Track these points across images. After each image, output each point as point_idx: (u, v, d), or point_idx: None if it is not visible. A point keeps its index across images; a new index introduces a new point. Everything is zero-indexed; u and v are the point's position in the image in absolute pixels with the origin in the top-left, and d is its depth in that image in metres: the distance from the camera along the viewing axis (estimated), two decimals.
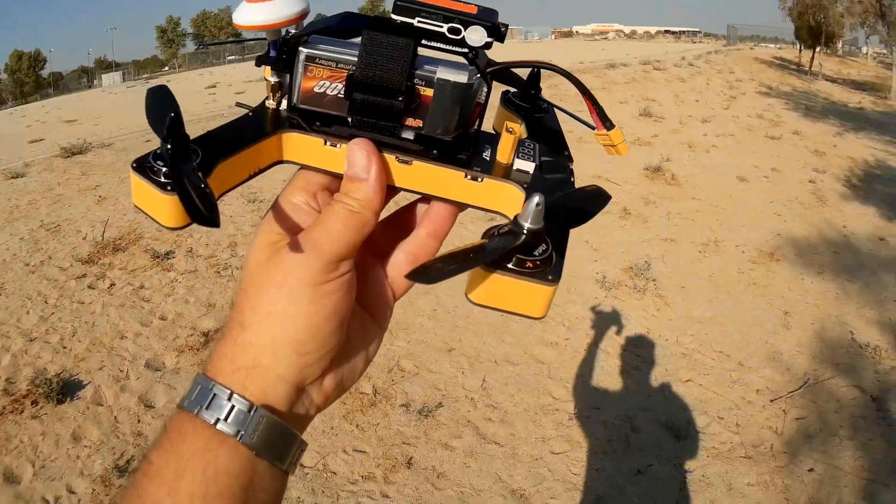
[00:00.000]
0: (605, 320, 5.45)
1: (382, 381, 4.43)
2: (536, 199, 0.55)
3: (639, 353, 5.01)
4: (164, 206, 0.56)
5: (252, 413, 0.56)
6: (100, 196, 7.50)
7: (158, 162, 0.57)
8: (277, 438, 0.57)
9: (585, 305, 5.65)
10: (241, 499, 0.55)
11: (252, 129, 0.64)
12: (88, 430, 3.84)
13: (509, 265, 0.56)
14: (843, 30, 34.26)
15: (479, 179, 0.64)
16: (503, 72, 0.69)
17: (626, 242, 7.15)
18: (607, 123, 0.69)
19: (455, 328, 5.11)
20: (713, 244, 7.32)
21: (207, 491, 0.53)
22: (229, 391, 0.56)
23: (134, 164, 0.58)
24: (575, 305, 5.62)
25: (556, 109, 0.81)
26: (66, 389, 4.13)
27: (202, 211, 0.50)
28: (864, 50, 51.96)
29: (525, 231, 0.56)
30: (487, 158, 0.66)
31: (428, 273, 0.54)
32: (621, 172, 9.53)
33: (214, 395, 0.56)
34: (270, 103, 0.67)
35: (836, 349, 5.36)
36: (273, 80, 0.66)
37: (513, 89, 0.79)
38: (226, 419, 0.55)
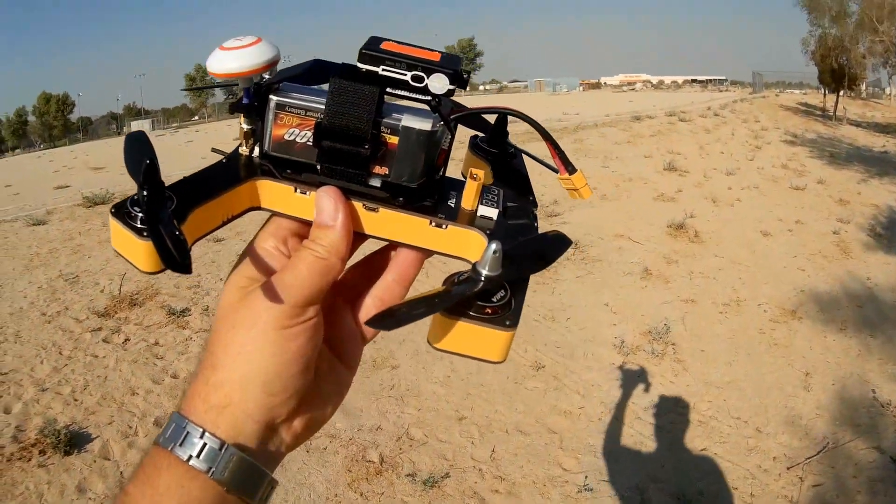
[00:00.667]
0: (621, 387, 5.36)
1: (390, 450, 4.38)
2: (493, 246, 0.57)
3: (654, 421, 4.93)
4: (140, 251, 0.58)
5: (223, 451, 0.57)
6: None
7: (135, 208, 0.58)
8: (247, 475, 0.59)
9: (602, 372, 5.58)
10: None
11: (225, 175, 0.65)
12: (94, 483, 3.85)
13: (469, 311, 0.57)
14: (866, 71, 34.18)
15: (444, 226, 0.65)
16: (470, 118, 0.70)
17: (646, 304, 7.07)
18: (569, 167, 0.70)
19: (467, 396, 5.06)
20: (735, 303, 7.24)
21: None
22: (201, 429, 0.58)
23: (112, 210, 0.60)
24: (591, 372, 5.55)
25: (523, 154, 0.81)
26: (74, 441, 4.14)
27: (175, 257, 0.52)
28: (888, 91, 51.81)
29: (483, 278, 0.57)
30: (452, 205, 0.68)
31: (392, 318, 0.57)
32: (644, 230, 9.50)
33: (188, 432, 0.58)
34: (244, 150, 0.68)
35: (856, 409, 5.26)
36: (246, 127, 0.67)
37: (481, 134, 0.80)
38: (198, 456, 0.57)
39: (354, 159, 0.63)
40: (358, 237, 0.66)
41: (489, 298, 0.58)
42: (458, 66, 0.62)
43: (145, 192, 0.56)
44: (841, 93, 34.28)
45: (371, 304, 0.69)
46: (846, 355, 6.25)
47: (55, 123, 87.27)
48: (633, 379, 5.51)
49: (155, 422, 4.42)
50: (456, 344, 0.59)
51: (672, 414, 5.04)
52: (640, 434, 4.78)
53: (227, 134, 27.88)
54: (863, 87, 43.71)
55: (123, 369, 4.98)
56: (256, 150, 0.67)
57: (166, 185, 0.59)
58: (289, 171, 0.66)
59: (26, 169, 23.52)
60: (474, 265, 0.59)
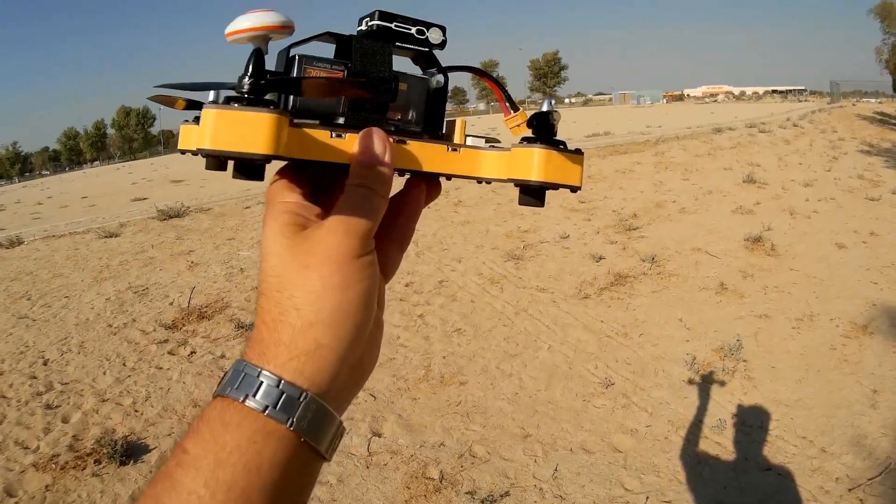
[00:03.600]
0: (689, 405, 5.26)
1: (451, 467, 4.35)
2: (548, 100, 0.72)
3: (720, 440, 4.81)
4: (261, 127, 0.58)
5: (302, 398, 0.57)
6: (191, 262, 7.66)
7: (234, 98, 0.59)
8: (323, 423, 0.59)
9: (672, 389, 5.48)
10: (281, 487, 0.55)
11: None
12: None
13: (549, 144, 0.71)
14: None
15: (458, 150, 0.74)
16: (453, 71, 0.80)
17: (719, 320, 6.95)
18: (514, 107, 0.79)
19: (535, 413, 5.02)
20: (808, 319, 7.06)
21: (249, 483, 0.53)
22: (278, 378, 0.57)
23: (210, 102, 0.66)
24: (661, 389, 5.46)
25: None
26: (130, 452, 4.21)
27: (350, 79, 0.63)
28: None
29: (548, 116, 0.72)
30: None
31: None
32: (721, 244, 9.39)
33: (261, 381, 0.57)
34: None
35: None
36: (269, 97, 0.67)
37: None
38: (275, 406, 0.56)
39: (376, 105, 0.71)
40: None
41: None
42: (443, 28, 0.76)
43: (251, 76, 0.60)
44: None
45: (390, 246, 0.73)
46: None
47: (135, 136, 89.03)
48: (702, 397, 5.40)
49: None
50: (552, 174, 0.70)
51: (739, 434, 4.91)
52: (705, 454, 4.68)
53: None
54: None
55: (187, 381, 5.04)
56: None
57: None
58: (318, 122, 0.69)
59: (104, 181, 23.96)
60: (539, 112, 0.72)
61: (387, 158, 0.65)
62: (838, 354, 6.30)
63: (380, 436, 4.72)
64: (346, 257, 0.59)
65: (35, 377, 5.12)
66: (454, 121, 0.80)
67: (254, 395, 0.56)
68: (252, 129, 0.57)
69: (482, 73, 0.81)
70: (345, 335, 0.59)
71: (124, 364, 5.27)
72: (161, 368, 5.22)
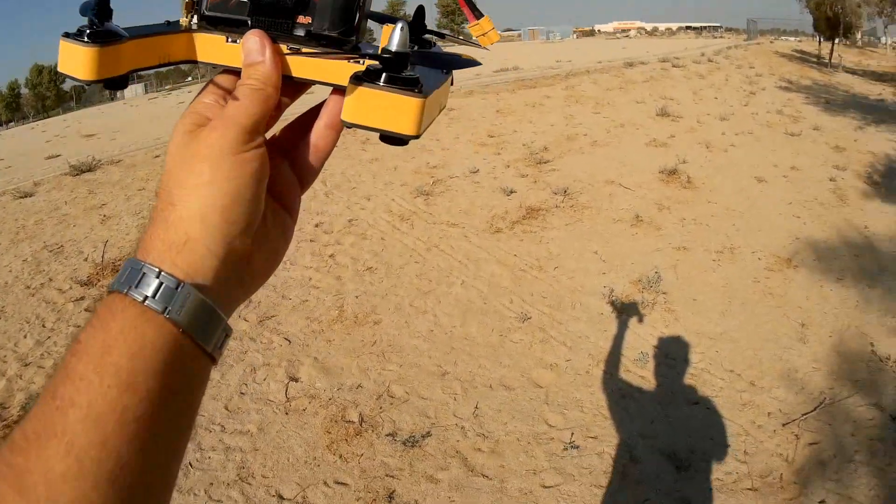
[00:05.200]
0: (609, 339, 5.22)
1: (370, 409, 4.26)
2: (400, 24, 0.60)
3: (644, 374, 4.78)
4: (81, 58, 0.63)
5: (179, 290, 0.57)
6: (104, 215, 7.56)
7: (86, 30, 0.63)
8: (203, 317, 0.59)
9: (590, 323, 5.43)
10: (166, 377, 0.55)
11: (166, 27, 0.70)
12: None
13: (379, 82, 0.60)
14: (862, 20, 34.21)
15: (361, 62, 0.67)
16: None
17: (636, 252, 6.94)
18: (476, 13, 0.77)
19: (451, 350, 4.95)
20: (728, 251, 7.08)
21: (133, 366, 0.53)
22: (157, 269, 0.58)
23: (63, 34, 0.64)
24: (579, 322, 5.41)
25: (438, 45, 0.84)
26: None
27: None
28: (884, 40, 51.73)
29: (393, 53, 0.60)
30: (371, 52, 0.67)
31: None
32: (635, 177, 9.40)
33: (143, 273, 0.57)
34: (184, 20, 0.71)
35: (855, 364, 5.10)
36: None
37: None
38: (153, 296, 0.56)
39: (281, 10, 0.67)
40: (287, 85, 0.69)
41: (400, 72, 0.60)
42: None
43: (95, 8, 0.63)
44: (836, 41, 34.25)
45: (306, 151, 0.73)
46: (844, 305, 6.10)
47: (48, 94, 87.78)
48: (622, 330, 5.36)
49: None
50: (370, 117, 0.61)
51: (663, 367, 4.89)
52: (629, 388, 4.63)
53: None
54: (858, 35, 43.69)
55: None
56: (195, 21, 0.70)
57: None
58: (223, 26, 0.69)
59: (19, 141, 23.53)
60: (383, 47, 0.61)
61: (267, 54, 0.66)
62: (762, 287, 6.32)
63: (297, 380, 4.61)
64: (223, 152, 0.60)
65: None
66: (386, 27, 0.73)
67: (136, 287, 0.57)
68: (78, 58, 0.63)
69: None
70: (215, 229, 0.60)
71: (44, 325, 5.17)
72: (79, 326, 5.06)
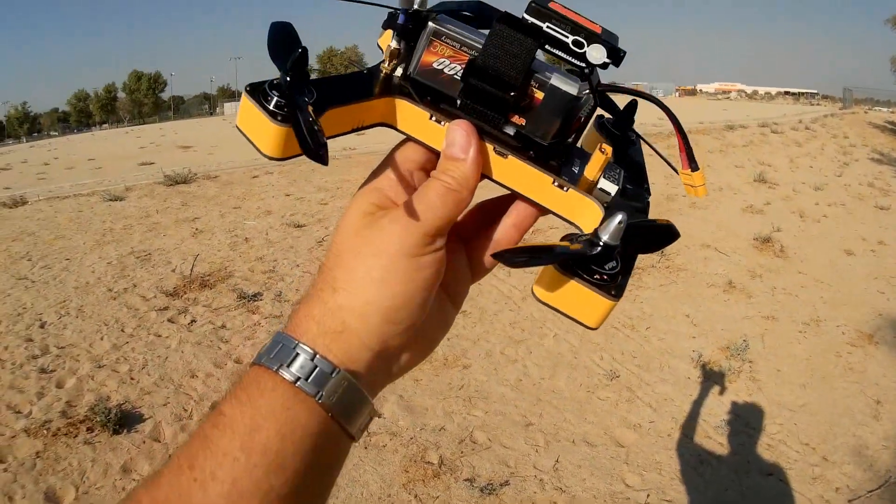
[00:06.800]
0: (693, 403, 5.20)
1: (451, 453, 4.28)
2: (620, 216, 0.57)
3: (723, 441, 4.75)
4: (269, 134, 0.58)
5: (334, 375, 0.57)
6: (196, 229, 7.62)
7: (274, 91, 0.58)
8: (353, 403, 0.59)
9: (676, 386, 5.41)
10: (311, 458, 0.55)
11: (364, 85, 0.67)
12: (139, 464, 3.81)
13: (581, 272, 0.58)
14: None
15: (565, 189, 0.66)
16: (605, 96, 0.72)
17: (726, 318, 6.88)
18: (693, 164, 0.72)
19: (538, 401, 4.94)
20: (814, 323, 6.99)
21: (282, 448, 0.54)
22: (313, 351, 0.57)
23: (248, 88, 0.59)
24: (665, 385, 5.39)
25: (642, 143, 0.83)
26: (124, 420, 4.13)
27: (310, 144, 0.52)
28: None
29: (602, 244, 0.57)
30: (576, 172, 0.68)
31: (515, 254, 0.59)
32: (730, 242, 9.32)
33: (297, 353, 0.57)
34: (385, 67, 0.69)
35: None
36: (394, 45, 0.67)
37: (608, 115, 0.81)
38: (307, 379, 0.56)
39: (496, 103, 0.64)
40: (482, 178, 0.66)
41: (602, 265, 0.58)
42: (616, 43, 0.63)
43: (289, 78, 0.57)
44: None
45: (486, 245, 0.70)
46: None
47: (145, 101, 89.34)
48: (706, 395, 5.33)
49: (211, 406, 4.33)
50: (559, 300, 0.60)
51: (742, 435, 4.84)
52: (706, 454, 4.61)
53: None
54: None
55: (185, 351, 4.96)
56: (398, 72, 0.68)
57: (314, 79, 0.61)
58: (428, 98, 0.66)
59: (112, 144, 23.94)
60: (596, 230, 0.58)
61: (470, 154, 0.62)
62: (843, 362, 6.23)
63: (380, 416, 4.62)
64: (400, 253, 0.59)
65: (31, 339, 5.03)
66: (600, 151, 0.68)
67: (288, 366, 0.56)
68: (263, 129, 0.58)
69: (665, 110, 0.71)
70: (374, 328, 0.59)
71: (122, 330, 5.20)
72: (160, 336, 5.15)
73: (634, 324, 6.45)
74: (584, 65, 0.63)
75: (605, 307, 0.59)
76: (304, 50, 0.58)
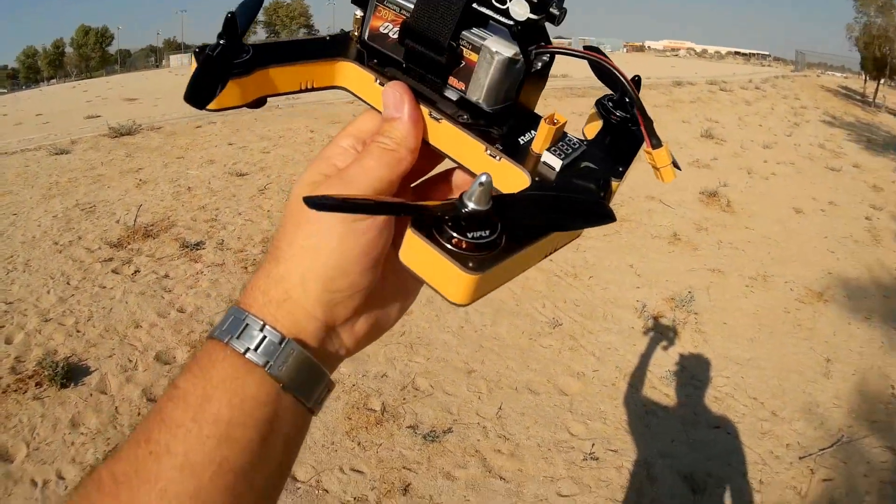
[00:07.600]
0: (638, 353, 5.21)
1: (393, 399, 4.26)
2: (483, 178, 0.50)
3: (669, 392, 4.77)
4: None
5: (282, 345, 0.57)
6: (140, 180, 7.52)
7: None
8: (305, 373, 0.58)
9: (620, 335, 5.43)
10: (265, 429, 0.55)
11: (317, 49, 0.70)
12: (87, 418, 3.76)
13: (436, 235, 0.52)
14: None
15: (497, 158, 0.63)
16: (547, 54, 0.64)
17: (671, 270, 6.93)
18: (655, 140, 0.65)
19: (479, 348, 4.94)
20: (762, 279, 7.07)
21: (232, 417, 0.53)
22: (262, 322, 0.57)
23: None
24: (609, 334, 5.41)
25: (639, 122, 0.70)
26: (72, 374, 4.08)
27: (188, 92, 0.56)
28: None
29: (466, 208, 0.51)
30: (522, 143, 0.65)
31: (323, 199, 0.49)
32: (676, 195, 9.35)
33: (246, 325, 0.57)
34: (354, 34, 0.72)
35: (874, 404, 5.08)
36: (358, 14, 0.70)
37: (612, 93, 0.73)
38: (256, 349, 0.56)
39: (434, 66, 0.63)
40: (426, 150, 0.65)
41: (464, 232, 0.51)
42: None
43: (222, 41, 0.60)
44: (882, 81, 34.08)
45: None
46: (869, 345, 6.07)
47: (93, 55, 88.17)
48: (651, 346, 5.36)
49: (156, 356, 4.35)
50: (418, 265, 0.54)
51: (689, 387, 4.88)
52: (653, 405, 4.63)
53: None
54: None
55: (130, 301, 4.91)
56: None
57: (260, 42, 0.64)
58: (376, 61, 0.68)
59: (60, 98, 23.58)
60: (461, 194, 0.52)
61: (405, 112, 0.62)
62: (792, 318, 6.31)
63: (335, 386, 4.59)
64: (336, 220, 0.58)
65: None
66: (546, 122, 0.63)
67: (238, 337, 0.56)
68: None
69: (615, 71, 0.64)
70: (314, 295, 0.59)
71: (68, 283, 5.13)
72: (104, 287, 5.08)
73: (577, 272, 6.45)
74: (511, 23, 0.59)
75: (462, 281, 0.51)
76: (232, 15, 0.60)
